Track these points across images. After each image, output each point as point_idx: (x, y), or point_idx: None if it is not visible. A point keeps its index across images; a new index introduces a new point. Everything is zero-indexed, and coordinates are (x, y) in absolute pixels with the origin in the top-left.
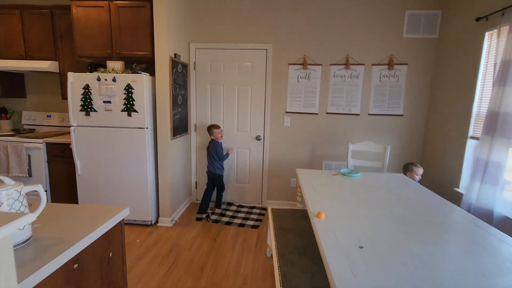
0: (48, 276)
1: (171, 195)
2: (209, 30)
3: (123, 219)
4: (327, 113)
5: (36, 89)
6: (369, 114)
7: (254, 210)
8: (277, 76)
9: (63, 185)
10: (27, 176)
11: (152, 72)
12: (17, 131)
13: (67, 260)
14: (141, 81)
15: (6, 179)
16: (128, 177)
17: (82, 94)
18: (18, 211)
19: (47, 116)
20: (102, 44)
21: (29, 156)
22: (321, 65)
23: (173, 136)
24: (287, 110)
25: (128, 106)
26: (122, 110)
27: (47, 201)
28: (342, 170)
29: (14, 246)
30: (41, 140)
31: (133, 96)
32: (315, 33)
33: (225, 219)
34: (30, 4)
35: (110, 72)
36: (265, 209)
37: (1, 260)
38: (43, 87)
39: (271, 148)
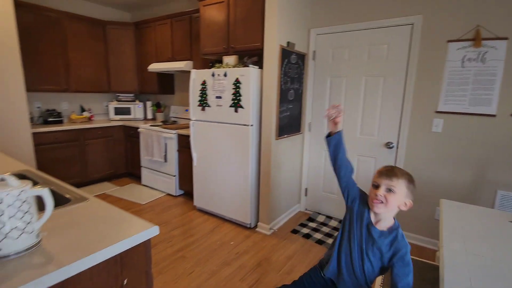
0: None
1: (272, 201)
2: (333, 10)
3: (149, 239)
4: None
5: (181, 87)
6: None
7: None
8: (426, 61)
9: (187, 173)
10: (164, 161)
11: (262, 65)
12: (165, 122)
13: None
14: (248, 75)
15: (10, 180)
16: (231, 175)
17: (200, 90)
18: (12, 219)
19: (186, 110)
20: (220, 40)
21: (166, 144)
22: (506, 39)
23: (279, 135)
24: (438, 109)
25: (235, 101)
26: (230, 106)
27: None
28: None
29: (15, 254)
30: (174, 131)
31: (240, 91)
32: None
33: None
34: (177, 12)
35: (224, 68)
36: None
37: None
38: (185, 85)
39: (407, 161)
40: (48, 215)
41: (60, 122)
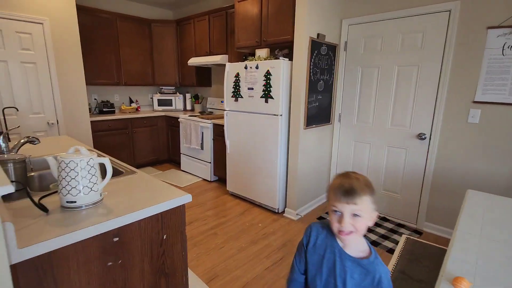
0: (81, 241)
1: (299, 187)
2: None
3: (183, 204)
4: None
5: (217, 79)
6: None
7: (402, 230)
8: (464, 49)
9: (221, 160)
10: (200, 148)
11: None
12: (202, 113)
13: (105, 231)
14: (278, 67)
15: (83, 150)
16: (261, 162)
17: (233, 82)
18: (84, 179)
19: (221, 101)
20: (253, 34)
21: (202, 133)
22: None
23: (307, 125)
24: (476, 99)
25: (266, 92)
26: (261, 97)
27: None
28: None
29: (86, 206)
30: (209, 121)
31: (271, 82)
32: None
33: None
34: (214, 9)
35: (256, 60)
36: (420, 232)
37: None
38: (221, 77)
39: (440, 152)
40: (109, 178)
41: (112, 112)
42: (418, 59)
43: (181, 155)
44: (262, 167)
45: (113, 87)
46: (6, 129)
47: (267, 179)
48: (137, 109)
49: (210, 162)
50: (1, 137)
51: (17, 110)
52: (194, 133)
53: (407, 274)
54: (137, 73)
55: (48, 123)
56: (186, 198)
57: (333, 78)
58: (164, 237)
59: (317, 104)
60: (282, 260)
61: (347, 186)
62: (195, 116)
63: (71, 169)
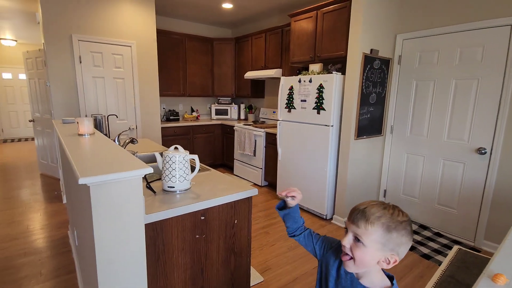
0: (180, 215)
1: (348, 196)
2: (422, 14)
3: (251, 196)
4: None
5: (270, 91)
6: None
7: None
8: None
9: (272, 166)
10: (253, 155)
11: (345, 71)
12: (255, 122)
13: (196, 210)
14: (331, 81)
15: (180, 148)
16: (312, 170)
17: (287, 94)
18: (180, 170)
19: (273, 112)
20: (307, 50)
21: (255, 141)
22: None
23: (358, 136)
24: None
25: (318, 104)
26: (313, 108)
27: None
28: None
29: (180, 191)
30: (262, 130)
31: (323, 95)
32: None
33: None
34: (271, 27)
35: (309, 74)
36: (478, 250)
37: (131, 194)
38: (273, 89)
39: (502, 168)
40: (197, 170)
41: (177, 120)
42: (478, 73)
43: (235, 160)
44: (312, 174)
45: (179, 98)
46: (109, 131)
47: (316, 186)
48: (197, 118)
49: (261, 168)
50: (117, 137)
51: (117, 117)
52: (248, 141)
53: (455, 279)
54: (199, 85)
55: (129, 128)
56: (253, 192)
57: (385, 90)
58: (236, 222)
59: (368, 116)
60: None
61: (361, 208)
62: (249, 125)
63: (173, 162)
